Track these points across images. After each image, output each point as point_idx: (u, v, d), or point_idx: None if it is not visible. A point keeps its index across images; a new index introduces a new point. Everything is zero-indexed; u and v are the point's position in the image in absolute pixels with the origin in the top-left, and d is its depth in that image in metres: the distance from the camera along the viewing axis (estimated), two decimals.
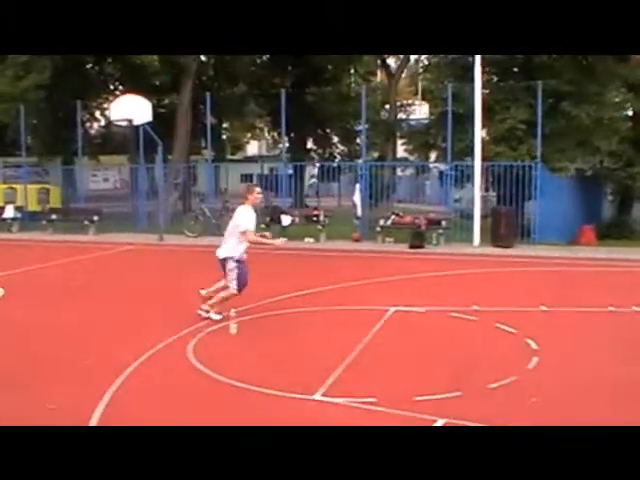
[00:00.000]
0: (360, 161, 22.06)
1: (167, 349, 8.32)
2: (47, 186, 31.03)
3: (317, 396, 6.53)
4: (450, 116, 19.52)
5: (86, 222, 22.95)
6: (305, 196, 34.37)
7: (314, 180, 38.73)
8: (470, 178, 19.54)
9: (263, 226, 20.64)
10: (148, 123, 19.82)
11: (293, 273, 14.68)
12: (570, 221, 19.47)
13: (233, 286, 9.48)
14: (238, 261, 9.48)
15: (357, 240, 19.61)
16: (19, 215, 25.01)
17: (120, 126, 21.10)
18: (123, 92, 27.30)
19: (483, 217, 19.26)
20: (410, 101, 41.99)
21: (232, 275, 9.46)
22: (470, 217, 19.22)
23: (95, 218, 23.12)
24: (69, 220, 24.03)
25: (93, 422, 5.82)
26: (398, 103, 34.90)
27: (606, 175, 22.74)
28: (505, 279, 13.86)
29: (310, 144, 36.55)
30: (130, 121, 19.41)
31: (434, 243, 18.71)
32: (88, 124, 35.27)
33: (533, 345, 8.28)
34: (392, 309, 10.36)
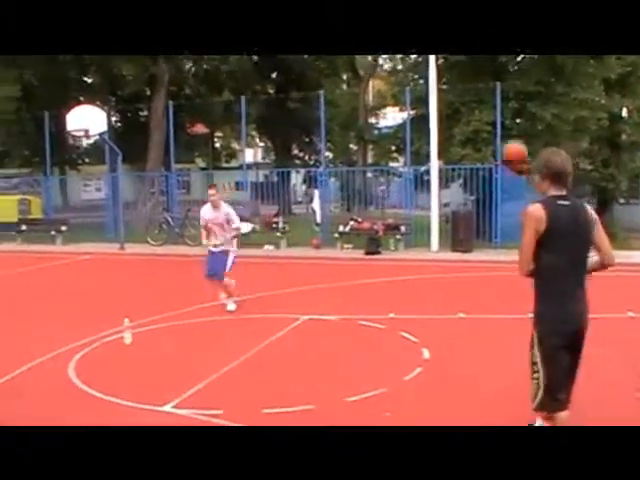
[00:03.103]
0: (321, 168, 21.82)
1: (53, 361, 8.20)
2: (28, 197, 31.04)
3: (167, 408, 6.43)
4: (409, 120, 19.30)
5: (53, 232, 22.84)
6: (297, 202, 34.32)
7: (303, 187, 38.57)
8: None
9: None
10: (105, 132, 19.72)
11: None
12: None
13: None
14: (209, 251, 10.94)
15: (317, 247, 19.36)
16: None
17: (77, 136, 20.94)
18: (101, 101, 27.34)
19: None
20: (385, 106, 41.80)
21: None
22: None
23: (63, 228, 23.00)
24: (38, 230, 23.91)
25: None
26: (369, 108, 34.68)
27: (580, 177, 22.32)
28: (444, 285, 13.56)
29: (295, 150, 36.48)
30: (86, 131, 19.29)
31: (392, 249, 18.44)
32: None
33: (426, 355, 8.07)
34: (303, 317, 10.16)
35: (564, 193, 4.55)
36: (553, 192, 4.55)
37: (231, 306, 10.91)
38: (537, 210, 4.45)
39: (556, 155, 4.63)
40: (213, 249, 10.83)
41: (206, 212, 10.87)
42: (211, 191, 10.89)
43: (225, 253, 10.80)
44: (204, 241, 11.08)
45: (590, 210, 4.66)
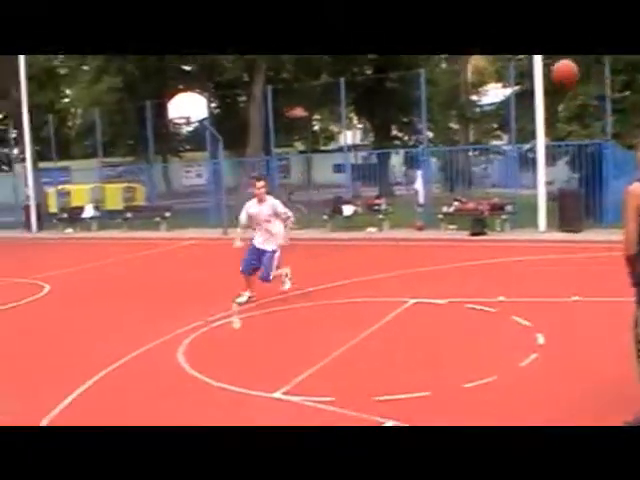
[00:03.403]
0: (421, 148, 21.38)
1: (162, 346, 8.27)
2: (133, 185, 31.82)
3: (277, 394, 6.34)
4: (513, 96, 18.69)
5: (157, 219, 23.28)
6: (395, 184, 33.95)
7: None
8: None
9: (325, 217, 20.52)
10: (206, 119, 19.91)
11: (336, 265, 14.33)
12: None
13: None
14: (252, 240, 10.42)
15: (420, 229, 19.04)
16: (98, 214, 25.68)
17: (178, 124, 21.23)
18: (200, 89, 27.71)
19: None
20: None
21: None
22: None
23: (166, 214, 23.42)
24: (142, 217, 24.42)
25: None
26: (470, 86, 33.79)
27: None
28: (554, 266, 13.04)
29: (395, 131, 36.05)
30: (187, 118, 19.55)
31: (498, 229, 17.96)
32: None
33: (540, 340, 7.69)
34: (411, 301, 9.93)
35: None
36: None
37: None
38: (637, 189, 4.21)
39: None
40: (257, 245, 10.29)
41: (250, 207, 10.37)
42: (259, 183, 10.20)
43: (270, 251, 10.22)
44: (237, 242, 10.46)
45: None
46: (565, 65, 6.82)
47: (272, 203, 10.28)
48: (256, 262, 10.21)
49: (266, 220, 10.18)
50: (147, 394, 6.74)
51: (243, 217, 10.50)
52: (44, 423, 5.89)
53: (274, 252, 10.20)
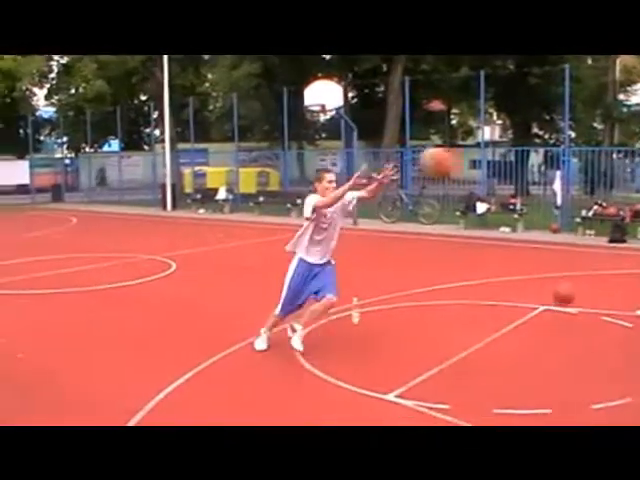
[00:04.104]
0: (563, 147, 20.42)
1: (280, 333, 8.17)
2: (267, 169, 32.23)
3: (390, 396, 6.11)
4: None
5: (289, 205, 23.39)
6: (533, 183, 32.87)
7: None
8: None
9: (458, 214, 20.05)
10: (342, 107, 19.82)
11: (465, 264, 13.88)
12: None
13: (280, 301, 7.38)
14: (301, 260, 7.32)
15: (555, 231, 18.24)
16: (231, 197, 26.12)
17: (313, 111, 21.18)
18: (338, 77, 27.66)
19: None
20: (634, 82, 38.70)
21: (284, 287, 7.35)
22: None
23: (298, 201, 23.45)
24: (274, 203, 24.61)
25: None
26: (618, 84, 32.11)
27: None
28: None
29: (535, 129, 34.88)
30: (323, 106, 19.49)
31: (639, 237, 16.96)
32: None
33: None
34: (540, 308, 9.41)
35: None
36: None
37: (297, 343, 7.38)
38: None
39: None
40: (315, 261, 7.34)
41: (317, 200, 7.11)
42: (330, 176, 7.28)
43: (333, 263, 7.56)
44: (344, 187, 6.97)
45: None
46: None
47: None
48: (304, 296, 7.47)
49: (336, 220, 7.34)
50: (261, 377, 6.69)
51: (309, 210, 7.10)
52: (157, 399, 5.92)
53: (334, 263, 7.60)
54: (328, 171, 7.54)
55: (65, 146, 45.25)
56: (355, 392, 6.26)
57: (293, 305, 7.46)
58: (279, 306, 7.45)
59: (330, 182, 7.16)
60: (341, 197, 7.00)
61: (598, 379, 6.70)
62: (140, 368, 7.19)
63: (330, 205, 7.01)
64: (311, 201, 7.04)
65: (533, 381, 6.66)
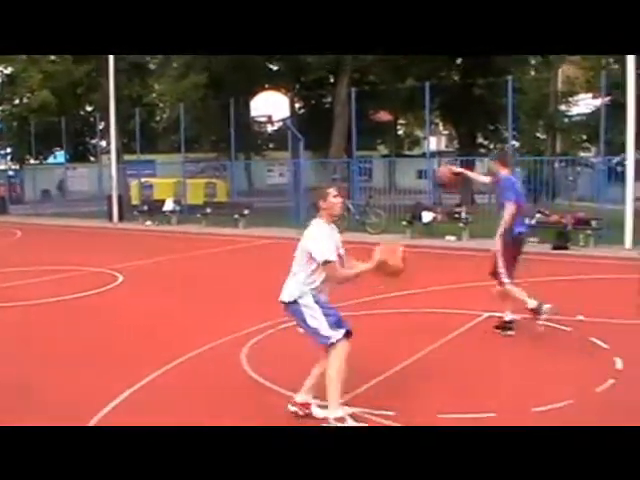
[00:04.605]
0: None
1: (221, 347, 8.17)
2: (215, 180, 32.14)
3: None
4: (603, 107, 18.03)
5: (236, 216, 23.36)
6: (479, 193, 33.27)
7: None
8: None
9: (404, 223, 20.23)
10: (288, 118, 19.89)
11: (408, 272, 13.95)
12: None
13: (326, 334, 5.98)
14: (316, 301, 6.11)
15: None
16: (178, 208, 26.00)
17: (260, 122, 21.24)
18: (285, 88, 27.71)
19: None
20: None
21: (317, 322, 6.06)
22: None
23: (245, 212, 23.48)
24: (221, 214, 24.57)
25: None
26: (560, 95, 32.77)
27: None
28: None
29: (480, 139, 35.40)
30: (269, 117, 19.53)
31: (581, 244, 17.32)
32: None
33: (619, 365, 7.28)
34: (485, 315, 9.58)
35: None
36: None
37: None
38: None
39: None
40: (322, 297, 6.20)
41: (326, 232, 6.13)
42: (333, 190, 6.10)
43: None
44: (363, 266, 6.40)
45: None
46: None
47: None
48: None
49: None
50: (203, 393, 6.66)
51: (333, 255, 6.03)
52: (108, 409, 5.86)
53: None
54: (328, 187, 6.19)
55: (9, 157, 44.44)
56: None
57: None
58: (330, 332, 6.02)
59: (336, 196, 6.07)
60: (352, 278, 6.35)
61: (540, 382, 6.84)
62: (81, 384, 7.09)
63: (340, 281, 6.31)
64: (323, 250, 5.97)
65: (477, 386, 6.79)
